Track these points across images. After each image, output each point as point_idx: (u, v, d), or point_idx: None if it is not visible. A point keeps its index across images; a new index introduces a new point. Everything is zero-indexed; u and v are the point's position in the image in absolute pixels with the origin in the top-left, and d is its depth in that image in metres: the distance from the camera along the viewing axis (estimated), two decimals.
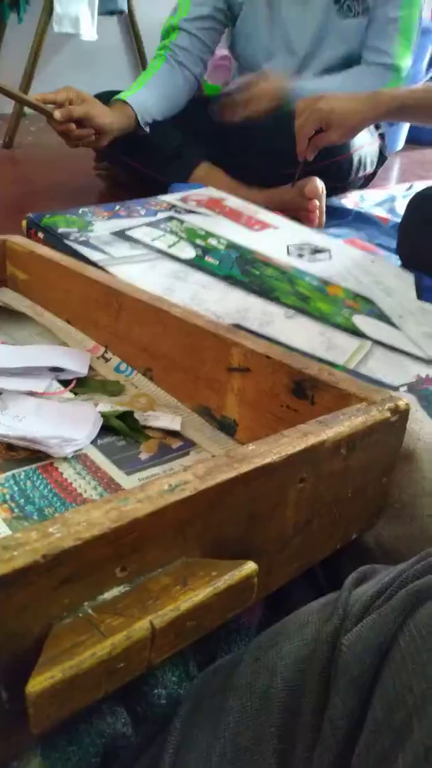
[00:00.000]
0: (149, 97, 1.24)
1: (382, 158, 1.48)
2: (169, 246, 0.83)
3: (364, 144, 1.28)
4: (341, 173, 1.25)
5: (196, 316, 0.50)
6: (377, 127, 1.39)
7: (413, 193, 1.45)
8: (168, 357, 0.53)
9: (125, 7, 1.79)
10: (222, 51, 2.38)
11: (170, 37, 1.29)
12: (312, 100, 1.04)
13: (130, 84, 1.29)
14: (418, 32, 1.25)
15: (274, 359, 0.44)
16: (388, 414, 0.38)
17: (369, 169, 1.35)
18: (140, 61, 2.15)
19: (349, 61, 1.27)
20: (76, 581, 0.23)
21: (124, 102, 1.20)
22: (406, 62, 1.24)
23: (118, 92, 1.25)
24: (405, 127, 2.06)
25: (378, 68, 1.23)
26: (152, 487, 0.26)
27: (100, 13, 1.52)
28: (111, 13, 1.72)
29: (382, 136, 1.45)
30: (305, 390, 0.42)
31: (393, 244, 1.06)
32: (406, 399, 0.39)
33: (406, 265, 0.92)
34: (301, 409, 0.43)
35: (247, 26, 1.30)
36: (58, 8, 1.44)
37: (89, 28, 1.50)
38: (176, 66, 1.28)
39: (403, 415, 0.39)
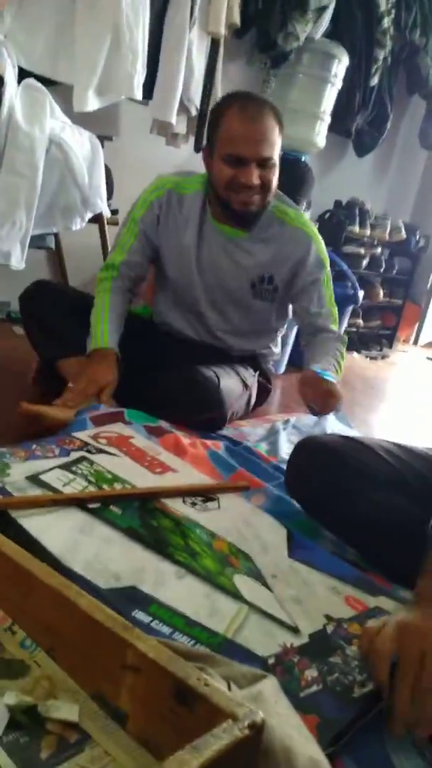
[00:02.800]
0: (116, 332, 1.45)
1: (267, 389, 1.73)
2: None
3: (235, 402, 1.53)
4: (214, 425, 1.47)
5: (98, 610, 0.59)
6: (255, 369, 1.66)
7: (291, 427, 1.68)
8: (71, 641, 0.61)
9: (53, 245, 2.06)
10: None
11: (111, 270, 1.53)
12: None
13: None
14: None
15: (161, 666, 0.53)
16: (247, 732, 0.48)
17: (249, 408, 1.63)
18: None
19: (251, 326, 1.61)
20: None
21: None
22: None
23: None
24: (287, 353, 2.40)
25: (333, 334, 1.55)
26: None
27: (30, 247, 1.75)
28: (39, 247, 1.98)
29: (264, 374, 1.71)
30: (186, 698, 0.52)
31: (273, 482, 1.22)
32: (261, 716, 0.49)
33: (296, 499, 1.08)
34: (182, 714, 0.52)
35: (173, 266, 1.56)
36: None
37: (18, 260, 1.71)
38: (120, 292, 1.52)
39: (260, 728, 0.49)
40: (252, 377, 1.66)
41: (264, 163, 1.36)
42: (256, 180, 1.36)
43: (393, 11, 2.90)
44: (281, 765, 0.54)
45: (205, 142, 1.46)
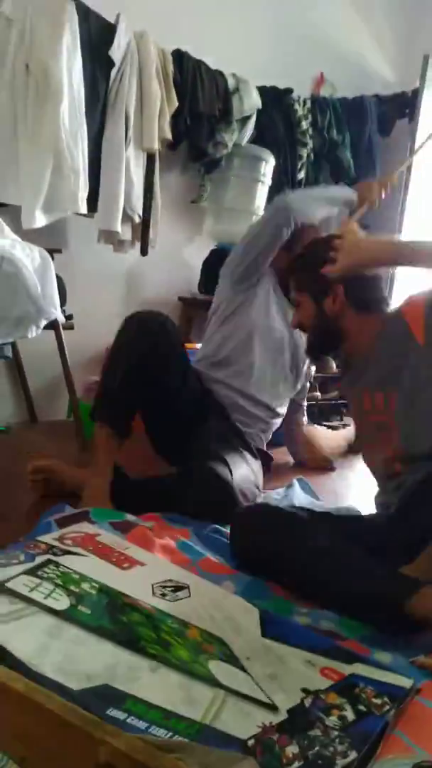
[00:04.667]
0: None
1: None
2: (45, 597, 0.93)
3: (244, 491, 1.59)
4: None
5: (68, 710, 0.59)
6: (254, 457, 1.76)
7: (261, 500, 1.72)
8: (44, 747, 0.60)
9: (10, 354, 2.13)
10: None
11: None
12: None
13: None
14: None
15: (135, 760, 0.53)
16: None
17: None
18: (26, 403, 2.50)
19: None
20: None
21: None
22: None
23: None
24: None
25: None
26: None
27: None
28: None
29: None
30: None
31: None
32: None
33: None
34: None
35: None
36: None
37: None
38: None
39: None
40: (256, 462, 1.79)
41: None
42: None
43: (309, 115, 3.20)
44: None
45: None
